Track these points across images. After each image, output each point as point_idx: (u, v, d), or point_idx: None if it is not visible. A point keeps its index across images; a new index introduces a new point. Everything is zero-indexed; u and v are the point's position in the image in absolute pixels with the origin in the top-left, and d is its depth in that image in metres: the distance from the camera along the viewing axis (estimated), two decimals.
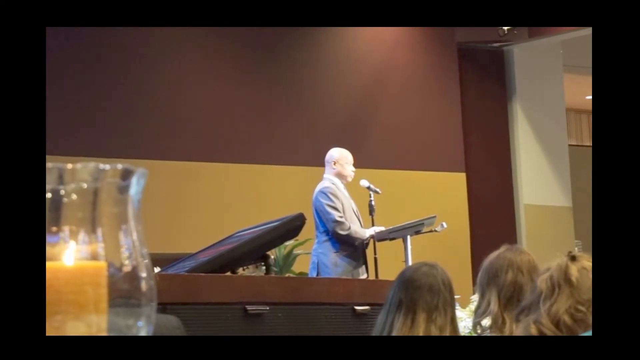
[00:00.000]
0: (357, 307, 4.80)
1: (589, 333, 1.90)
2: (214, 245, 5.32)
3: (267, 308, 4.43)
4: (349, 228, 7.22)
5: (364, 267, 7.36)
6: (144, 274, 0.96)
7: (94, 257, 0.94)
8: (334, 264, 7.24)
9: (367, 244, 7.40)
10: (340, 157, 7.53)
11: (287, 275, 7.51)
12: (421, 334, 3.34)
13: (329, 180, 7.45)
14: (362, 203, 7.67)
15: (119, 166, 0.95)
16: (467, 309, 5.12)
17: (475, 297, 4.06)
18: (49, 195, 0.93)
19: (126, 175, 0.96)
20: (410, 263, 6.75)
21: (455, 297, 3.57)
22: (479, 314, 3.46)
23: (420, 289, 3.43)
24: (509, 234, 10.57)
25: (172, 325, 3.07)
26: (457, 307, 4.17)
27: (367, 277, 7.29)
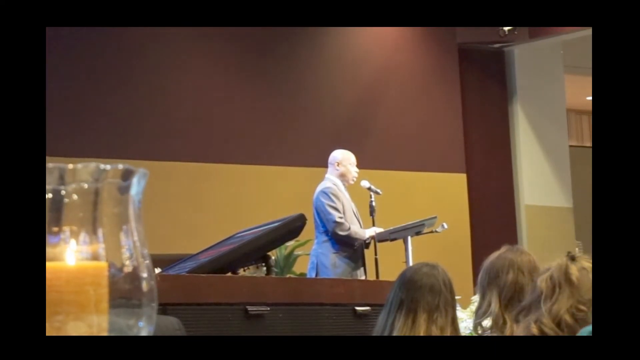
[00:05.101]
0: (357, 308, 4.79)
1: (589, 329, 1.90)
2: (214, 245, 5.32)
3: (268, 309, 4.43)
4: (349, 229, 7.22)
5: (362, 269, 7.37)
6: (144, 275, 0.96)
7: (95, 257, 0.94)
8: (333, 265, 7.25)
9: (368, 244, 7.40)
10: (343, 158, 7.54)
11: (288, 276, 7.52)
12: (422, 334, 3.34)
13: (330, 180, 7.46)
14: (362, 204, 7.67)
15: (120, 166, 0.95)
16: (468, 309, 5.12)
17: (476, 298, 4.06)
18: (50, 195, 0.93)
19: (127, 175, 0.96)
20: (411, 264, 6.75)
21: (456, 297, 3.57)
22: (479, 314, 3.46)
23: (421, 290, 3.43)
24: (510, 235, 10.57)
25: (173, 326, 3.07)
26: (458, 307, 4.17)
27: (365, 279, 7.29)
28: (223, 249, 5.02)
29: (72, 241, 0.94)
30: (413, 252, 7.15)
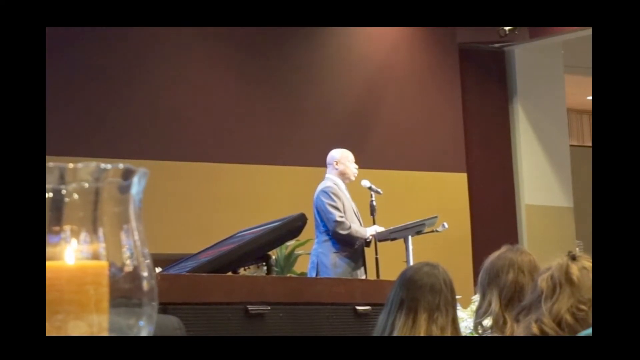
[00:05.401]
0: (358, 307, 4.79)
1: (589, 331, 1.90)
2: (215, 245, 5.32)
3: (269, 308, 4.43)
4: (350, 227, 7.22)
5: (362, 268, 7.37)
6: (145, 274, 0.96)
7: (96, 256, 0.94)
8: (333, 264, 7.25)
9: (369, 243, 7.40)
10: (342, 156, 7.54)
11: (288, 275, 7.52)
12: (422, 334, 3.34)
13: (330, 180, 7.46)
14: (363, 203, 7.67)
15: (120, 166, 0.95)
16: (469, 309, 5.12)
17: (476, 298, 4.06)
18: (50, 194, 0.93)
19: (127, 174, 0.96)
20: (411, 263, 6.74)
21: (457, 297, 3.57)
22: (480, 314, 3.46)
23: (421, 289, 3.43)
24: (510, 235, 10.57)
25: (173, 325, 3.06)
26: (459, 307, 4.17)
27: (366, 278, 7.29)
28: (223, 248, 5.02)
29: (73, 240, 0.94)
30: (414, 252, 7.14)
